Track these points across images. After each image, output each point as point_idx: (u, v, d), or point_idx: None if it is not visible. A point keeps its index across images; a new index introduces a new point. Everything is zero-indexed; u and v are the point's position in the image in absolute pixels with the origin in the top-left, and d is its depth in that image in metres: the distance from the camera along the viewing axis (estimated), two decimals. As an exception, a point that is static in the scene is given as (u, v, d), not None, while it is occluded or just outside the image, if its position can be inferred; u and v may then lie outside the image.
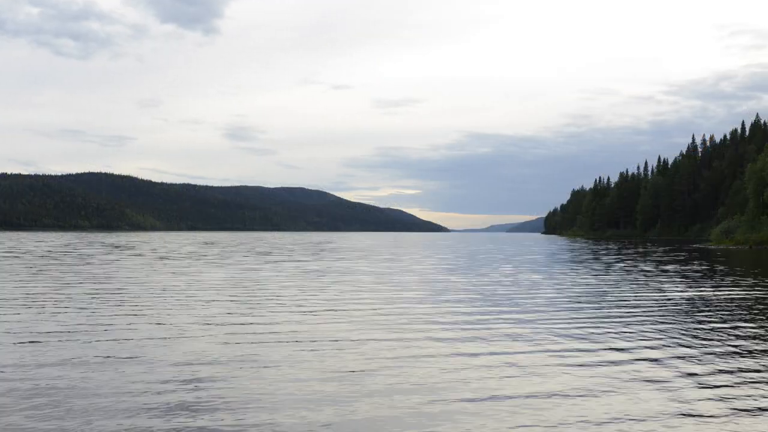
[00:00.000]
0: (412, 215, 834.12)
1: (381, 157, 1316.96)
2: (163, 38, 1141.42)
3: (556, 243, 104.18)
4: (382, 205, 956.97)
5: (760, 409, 7.79)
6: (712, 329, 13.69)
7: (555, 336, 12.66)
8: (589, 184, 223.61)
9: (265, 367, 9.64)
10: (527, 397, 8.17)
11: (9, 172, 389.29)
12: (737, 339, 12.53)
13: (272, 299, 18.41)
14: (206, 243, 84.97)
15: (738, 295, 20.86)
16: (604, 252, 59.83)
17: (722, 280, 26.97)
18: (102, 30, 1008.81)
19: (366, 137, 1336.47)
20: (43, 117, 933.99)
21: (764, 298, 19.87)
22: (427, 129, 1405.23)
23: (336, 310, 16.17)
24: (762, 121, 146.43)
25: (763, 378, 9.26)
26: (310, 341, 11.80)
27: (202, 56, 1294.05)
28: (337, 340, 11.89)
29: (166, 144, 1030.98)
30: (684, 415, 7.53)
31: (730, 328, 13.93)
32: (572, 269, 34.05)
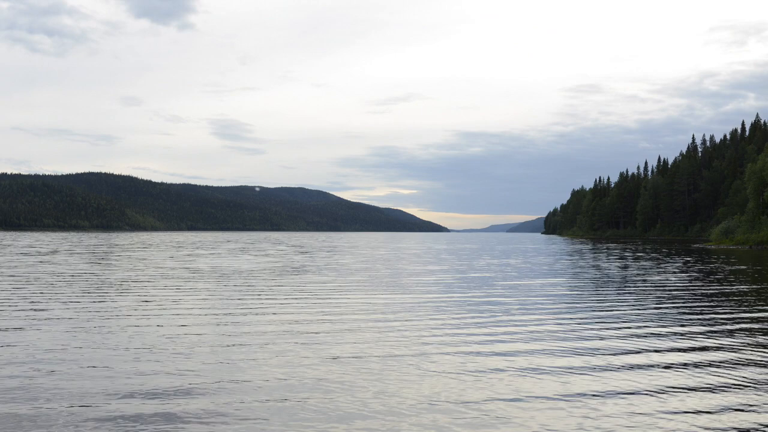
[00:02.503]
0: (412, 215, 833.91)
1: (374, 157, 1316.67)
2: (139, 35, 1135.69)
3: (563, 244, 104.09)
4: (379, 205, 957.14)
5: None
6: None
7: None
8: (584, 183, 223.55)
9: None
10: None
11: (9, 172, 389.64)
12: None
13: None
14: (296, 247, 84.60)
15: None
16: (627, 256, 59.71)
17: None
18: (76, 26, 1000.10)
19: (357, 137, 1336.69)
20: (30, 116, 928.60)
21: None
22: (418, 128, 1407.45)
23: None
24: (762, 121, 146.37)
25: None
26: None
27: (180, 53, 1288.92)
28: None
29: (155, 143, 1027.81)
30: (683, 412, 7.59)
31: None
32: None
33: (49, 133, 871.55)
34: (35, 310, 15.61)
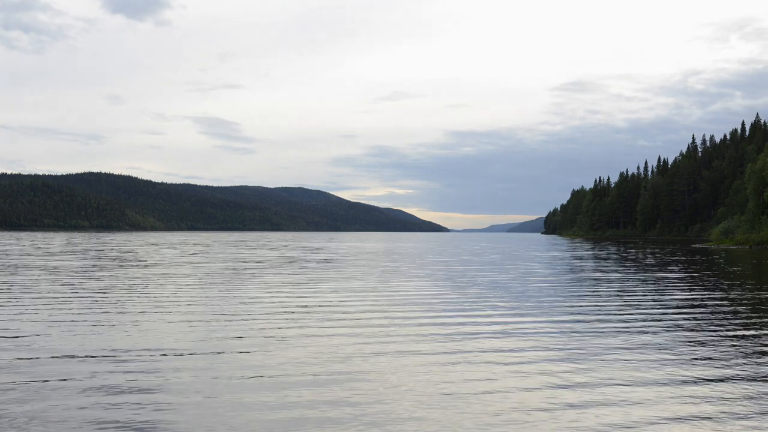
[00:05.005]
0: (412, 215, 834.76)
1: (368, 157, 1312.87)
2: (115, 31, 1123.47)
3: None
4: (377, 205, 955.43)
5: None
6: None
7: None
8: (578, 183, 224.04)
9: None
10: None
11: (9, 173, 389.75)
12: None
13: None
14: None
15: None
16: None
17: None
18: (52, 22, 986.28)
19: (349, 136, 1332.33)
20: (15, 114, 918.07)
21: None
22: (409, 127, 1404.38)
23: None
24: (762, 121, 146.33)
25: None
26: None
27: (159, 50, 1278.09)
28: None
29: (145, 143, 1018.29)
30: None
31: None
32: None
33: (37, 133, 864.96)
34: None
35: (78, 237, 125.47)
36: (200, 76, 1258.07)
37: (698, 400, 8.12)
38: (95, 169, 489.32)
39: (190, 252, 54.33)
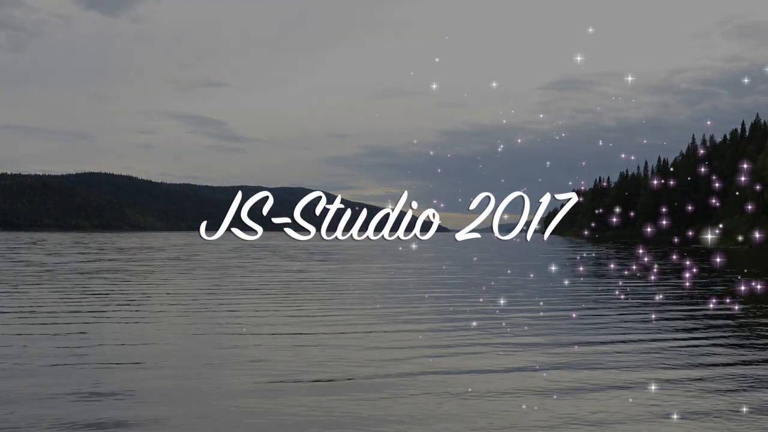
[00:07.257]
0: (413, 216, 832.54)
1: (363, 157, 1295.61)
2: (92, 27, 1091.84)
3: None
4: (377, 205, 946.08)
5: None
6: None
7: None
8: (578, 183, 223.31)
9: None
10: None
11: (9, 173, 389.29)
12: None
13: None
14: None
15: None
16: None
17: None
18: (28, 19, 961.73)
19: (342, 136, 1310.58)
20: (4, 113, 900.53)
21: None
22: (402, 127, 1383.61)
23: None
24: (762, 121, 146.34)
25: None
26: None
27: (137, 46, 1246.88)
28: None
29: (136, 142, 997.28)
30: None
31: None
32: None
33: (28, 132, 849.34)
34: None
35: (153, 238, 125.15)
36: (181, 74, 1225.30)
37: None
38: (90, 169, 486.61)
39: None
